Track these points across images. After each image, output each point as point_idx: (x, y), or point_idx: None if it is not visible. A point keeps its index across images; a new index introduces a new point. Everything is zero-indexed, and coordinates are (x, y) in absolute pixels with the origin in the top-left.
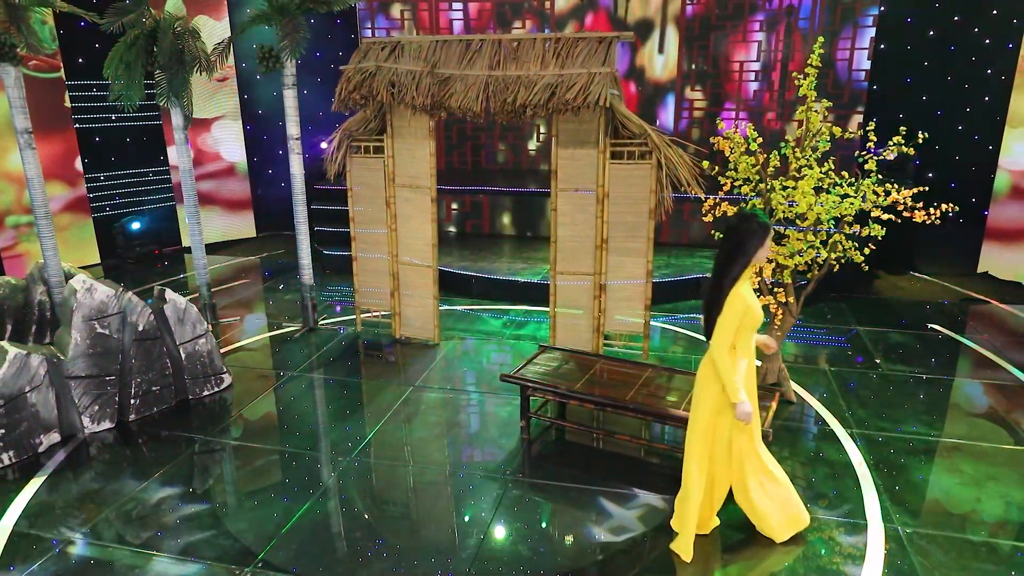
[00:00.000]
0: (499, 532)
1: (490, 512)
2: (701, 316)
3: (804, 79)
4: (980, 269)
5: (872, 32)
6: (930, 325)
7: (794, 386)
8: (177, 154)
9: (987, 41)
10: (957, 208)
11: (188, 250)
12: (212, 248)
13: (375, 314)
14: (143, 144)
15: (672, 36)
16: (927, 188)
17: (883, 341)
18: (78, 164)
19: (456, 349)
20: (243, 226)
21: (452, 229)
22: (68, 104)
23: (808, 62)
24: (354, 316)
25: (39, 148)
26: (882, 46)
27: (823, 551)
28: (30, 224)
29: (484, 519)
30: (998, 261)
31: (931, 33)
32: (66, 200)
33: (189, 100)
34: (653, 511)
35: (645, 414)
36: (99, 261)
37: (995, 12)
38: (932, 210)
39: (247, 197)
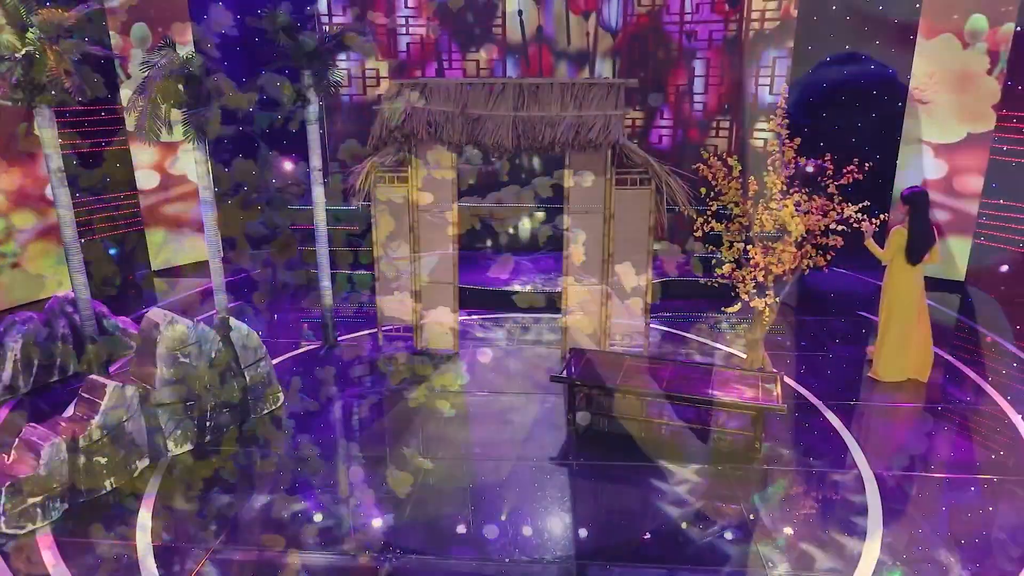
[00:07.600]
0: (582, 508)
1: (569, 491)
2: (918, 251)
3: (772, 120)
4: None
5: (788, 61)
6: (859, 312)
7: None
8: (198, 184)
9: (872, 67)
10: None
11: (157, 274)
12: (186, 270)
13: (393, 328)
14: (109, 170)
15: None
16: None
17: (825, 327)
18: (48, 192)
19: (476, 356)
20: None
21: None
22: (37, 131)
23: (779, 104)
24: (375, 330)
25: (8, 176)
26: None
27: (834, 488)
28: (2, 255)
29: (565, 497)
30: None
31: (827, 59)
32: (36, 230)
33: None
34: (695, 486)
35: (685, 400)
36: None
37: (877, 41)
38: (874, 220)
39: None
